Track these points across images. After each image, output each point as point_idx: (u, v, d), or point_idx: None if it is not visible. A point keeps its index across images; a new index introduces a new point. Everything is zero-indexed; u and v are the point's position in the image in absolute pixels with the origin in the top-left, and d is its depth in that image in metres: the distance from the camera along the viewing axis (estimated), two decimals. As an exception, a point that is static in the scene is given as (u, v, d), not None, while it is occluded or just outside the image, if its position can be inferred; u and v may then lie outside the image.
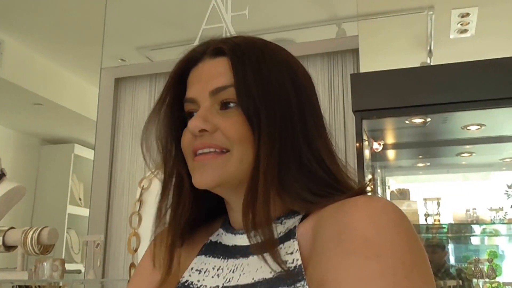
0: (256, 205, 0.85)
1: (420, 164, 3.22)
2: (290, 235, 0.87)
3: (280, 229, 0.88)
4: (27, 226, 2.36)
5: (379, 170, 3.10)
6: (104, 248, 2.92)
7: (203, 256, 0.97)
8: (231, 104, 0.90)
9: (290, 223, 0.89)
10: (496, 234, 3.02)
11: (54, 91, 4.36)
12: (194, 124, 0.89)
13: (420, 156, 3.14)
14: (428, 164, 3.22)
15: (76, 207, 5.21)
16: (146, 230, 1.98)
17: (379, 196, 0.93)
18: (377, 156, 2.86)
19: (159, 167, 1.00)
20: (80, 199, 5.35)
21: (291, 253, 0.84)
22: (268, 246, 0.83)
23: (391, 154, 2.98)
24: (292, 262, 0.82)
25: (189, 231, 0.99)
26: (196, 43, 3.08)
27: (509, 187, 2.65)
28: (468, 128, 2.57)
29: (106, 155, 3.22)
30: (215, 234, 1.00)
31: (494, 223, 2.71)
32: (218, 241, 0.98)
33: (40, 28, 3.68)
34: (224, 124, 0.89)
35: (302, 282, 0.79)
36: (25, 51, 4.05)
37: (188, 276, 0.95)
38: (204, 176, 0.89)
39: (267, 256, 0.82)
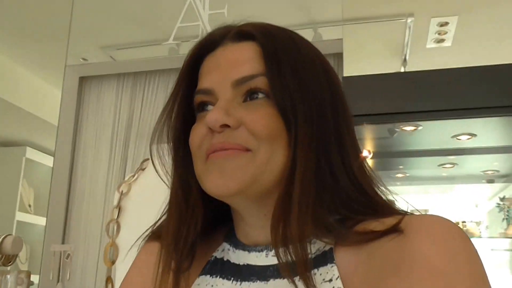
0: (290, 217, 0.69)
1: (399, 175, 3.11)
2: (326, 259, 0.70)
3: (311, 250, 0.71)
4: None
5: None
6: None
7: (208, 276, 0.80)
8: (259, 95, 0.74)
9: (321, 244, 0.72)
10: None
11: (6, 89, 4.06)
12: (214, 117, 0.71)
13: (401, 167, 3.04)
14: (408, 175, 3.13)
15: (25, 214, 4.90)
16: (123, 240, 1.80)
17: (435, 215, 0.74)
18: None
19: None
20: (30, 205, 5.04)
21: (330, 280, 0.68)
22: (300, 269, 0.66)
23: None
24: None
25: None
26: (171, 41, 2.92)
27: (501, 199, 2.59)
28: (458, 138, 2.48)
29: (67, 160, 2.97)
30: (219, 249, 0.83)
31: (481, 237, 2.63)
32: (225, 259, 0.80)
33: (-4, 21, 3.42)
34: (250, 117, 0.72)
35: None
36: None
37: None
38: (224, 180, 0.72)
39: (297, 281, 0.66)
